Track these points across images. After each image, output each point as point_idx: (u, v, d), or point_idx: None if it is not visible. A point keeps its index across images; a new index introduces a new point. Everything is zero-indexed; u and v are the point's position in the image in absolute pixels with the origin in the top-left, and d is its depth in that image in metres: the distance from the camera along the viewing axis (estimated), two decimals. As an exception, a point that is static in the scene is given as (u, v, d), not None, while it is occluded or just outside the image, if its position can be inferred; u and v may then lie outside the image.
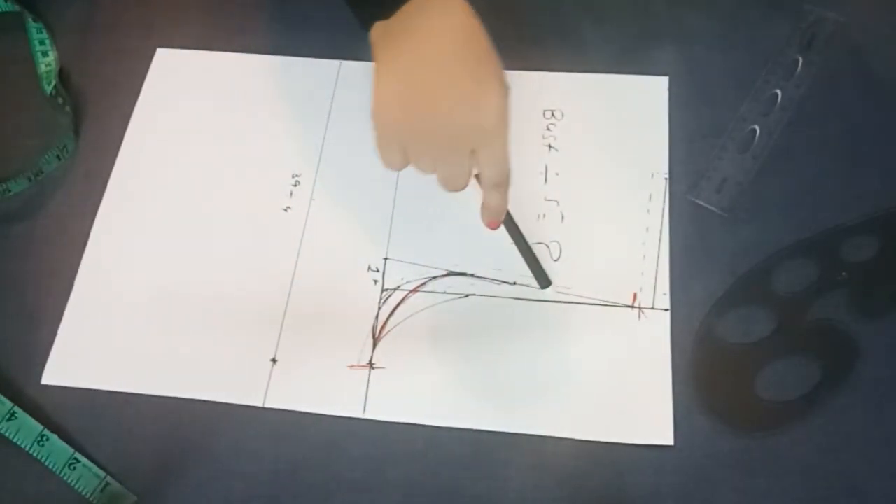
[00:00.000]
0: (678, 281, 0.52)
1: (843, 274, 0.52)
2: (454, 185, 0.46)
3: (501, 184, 0.46)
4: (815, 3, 0.61)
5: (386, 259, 0.55)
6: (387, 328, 0.52)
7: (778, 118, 0.57)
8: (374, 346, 0.52)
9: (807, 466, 0.47)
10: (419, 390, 0.50)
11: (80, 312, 0.54)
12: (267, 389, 0.51)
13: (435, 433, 0.49)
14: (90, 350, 0.53)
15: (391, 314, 0.53)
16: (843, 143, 0.56)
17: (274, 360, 0.52)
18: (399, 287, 0.54)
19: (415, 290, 0.53)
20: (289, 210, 0.57)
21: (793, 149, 0.56)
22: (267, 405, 0.50)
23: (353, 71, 0.61)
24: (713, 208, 0.54)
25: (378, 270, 0.54)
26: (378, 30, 0.46)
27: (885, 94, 0.57)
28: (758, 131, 0.57)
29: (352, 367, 0.51)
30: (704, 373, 0.50)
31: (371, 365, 0.51)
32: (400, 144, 0.45)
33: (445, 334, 0.52)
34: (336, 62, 0.62)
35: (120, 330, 0.53)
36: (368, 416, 0.50)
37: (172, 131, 0.60)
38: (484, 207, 0.48)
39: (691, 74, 0.59)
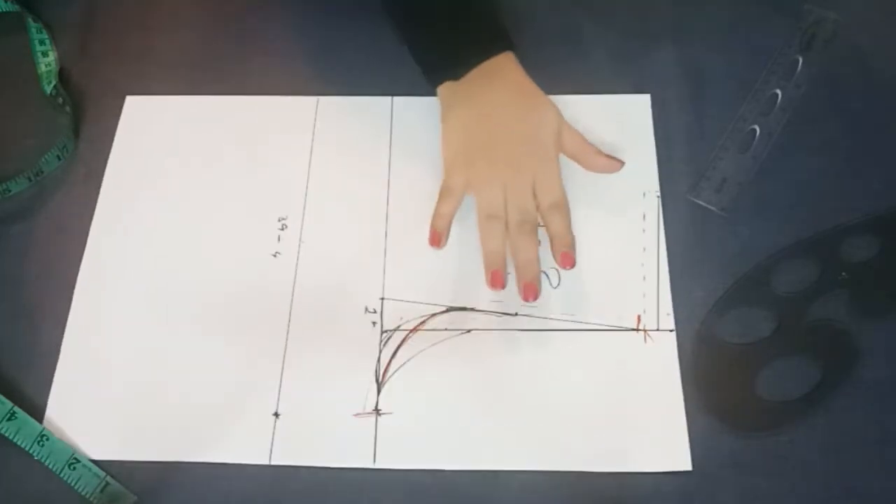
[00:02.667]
0: (678, 281, 0.52)
1: (843, 274, 0.52)
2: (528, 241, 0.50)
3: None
4: (815, 3, 0.61)
5: (383, 299, 0.53)
6: (390, 371, 0.50)
7: (778, 118, 0.57)
8: (379, 390, 0.50)
9: (807, 466, 0.47)
10: (429, 434, 0.48)
11: (74, 361, 0.52)
12: (272, 445, 0.49)
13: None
14: (84, 415, 0.50)
15: (393, 356, 0.51)
16: (843, 143, 0.56)
17: (276, 415, 0.50)
18: (399, 327, 0.52)
19: (415, 329, 0.52)
20: (278, 255, 0.54)
21: (793, 149, 0.56)
22: (273, 462, 0.48)
23: (331, 106, 0.59)
24: (713, 208, 0.54)
25: (376, 311, 0.52)
26: (446, 89, 0.55)
27: (885, 94, 0.57)
28: (758, 131, 0.57)
29: (357, 415, 0.49)
30: (704, 373, 0.50)
31: (377, 411, 0.49)
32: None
33: (450, 372, 0.50)
34: (313, 98, 0.60)
35: (112, 396, 0.51)
36: (379, 465, 0.48)
37: (147, 198, 0.57)
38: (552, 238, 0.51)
39: (691, 74, 0.59)
